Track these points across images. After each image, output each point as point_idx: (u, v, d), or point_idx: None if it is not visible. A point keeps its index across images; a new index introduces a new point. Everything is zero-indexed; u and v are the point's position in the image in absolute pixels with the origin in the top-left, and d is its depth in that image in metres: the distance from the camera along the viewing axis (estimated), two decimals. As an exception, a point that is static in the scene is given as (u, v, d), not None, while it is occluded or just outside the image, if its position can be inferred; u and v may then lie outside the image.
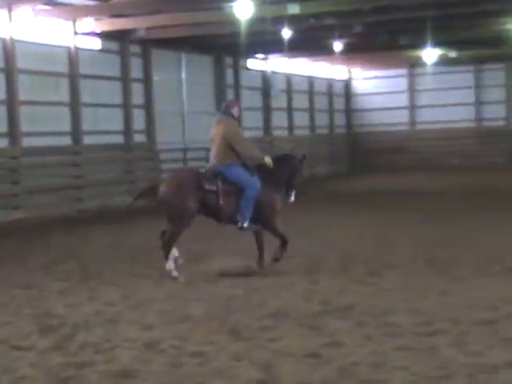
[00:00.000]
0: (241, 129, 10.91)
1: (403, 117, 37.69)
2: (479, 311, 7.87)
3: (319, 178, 31.58)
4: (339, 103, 38.00)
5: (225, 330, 7.53)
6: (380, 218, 16.97)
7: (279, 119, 31.79)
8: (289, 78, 32.79)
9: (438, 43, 27.04)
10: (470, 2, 20.14)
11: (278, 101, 31.56)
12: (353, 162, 37.33)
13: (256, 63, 30.41)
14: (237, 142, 10.40)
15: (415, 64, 34.99)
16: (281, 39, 22.23)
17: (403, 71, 37.41)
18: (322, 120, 35.91)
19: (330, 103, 36.99)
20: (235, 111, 10.69)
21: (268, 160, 10.58)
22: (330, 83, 36.81)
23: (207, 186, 10.26)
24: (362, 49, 29.11)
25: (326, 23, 21.50)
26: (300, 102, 33.78)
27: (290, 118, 32.94)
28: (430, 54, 28.95)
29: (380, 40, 26.04)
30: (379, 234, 14.13)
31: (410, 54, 30.69)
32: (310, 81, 34.83)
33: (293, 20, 20.82)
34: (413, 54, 30.33)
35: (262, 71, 30.80)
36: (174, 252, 10.28)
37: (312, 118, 34.94)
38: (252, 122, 29.42)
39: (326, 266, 10.93)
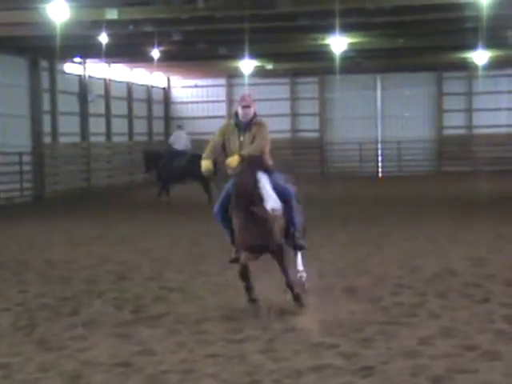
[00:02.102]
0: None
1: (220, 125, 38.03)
2: (287, 317, 8.07)
3: (137, 186, 31.36)
4: (158, 110, 37.93)
5: (32, 340, 7.30)
6: (193, 225, 17.06)
7: (97, 125, 31.28)
8: (107, 84, 32.37)
9: (255, 55, 27.67)
10: (286, 17, 20.71)
11: (96, 106, 31.07)
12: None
13: (73, 67, 29.80)
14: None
15: (233, 74, 35.56)
16: (99, 44, 21.93)
17: (222, 81, 37.93)
18: (140, 127, 35.70)
19: (149, 110, 36.86)
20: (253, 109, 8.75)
21: None
22: (149, 90, 36.69)
23: None
24: (181, 57, 29.26)
25: (144, 30, 21.41)
26: (118, 108, 33.41)
27: (108, 124, 32.49)
28: (247, 65, 29.55)
29: (199, 49, 26.25)
30: (195, 242, 14.20)
31: (229, 64, 31.16)
32: (129, 87, 34.56)
33: (111, 25, 20.58)
34: (231, 64, 30.82)
35: (79, 76, 30.22)
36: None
37: (131, 125, 34.65)
38: (68, 127, 28.79)
39: (139, 274, 10.85)
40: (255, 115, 8.71)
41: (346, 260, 11.81)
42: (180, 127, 24.51)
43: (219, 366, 6.41)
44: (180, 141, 23.36)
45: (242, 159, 8.39)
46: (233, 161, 8.43)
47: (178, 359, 6.62)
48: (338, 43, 23.97)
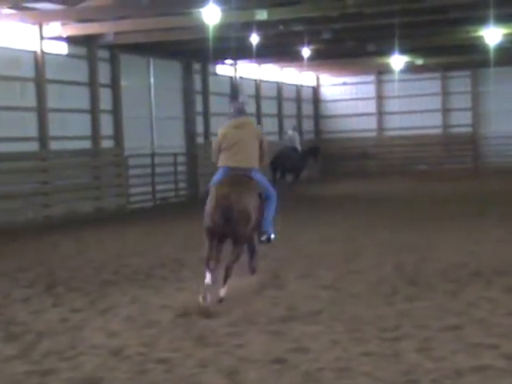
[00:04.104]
0: None
1: (371, 123, 37.88)
2: (446, 317, 7.91)
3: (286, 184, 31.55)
4: (307, 109, 38.09)
5: (191, 336, 7.49)
6: (347, 223, 17.02)
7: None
8: (257, 84, 32.82)
9: (405, 50, 27.25)
10: (437, 10, 20.30)
11: (247, 106, 31.48)
12: (321, 167, 37.40)
13: (225, 69, 30.39)
14: (266, 146, 9.49)
15: (383, 71, 35.21)
16: (249, 45, 22.25)
17: (371, 78, 37.64)
18: (291, 126, 35.89)
19: (299, 109, 37.07)
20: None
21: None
22: (298, 89, 36.90)
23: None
24: (330, 55, 29.24)
25: (294, 29, 21.55)
26: (269, 107, 33.81)
27: (259, 124, 32.90)
28: (397, 61, 29.16)
29: (348, 47, 26.16)
30: (348, 239, 14.16)
31: (378, 60, 30.85)
32: (279, 86, 34.90)
33: (261, 26, 20.85)
34: (380, 60, 30.50)
35: (230, 77, 30.78)
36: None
37: (281, 124, 34.98)
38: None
39: (293, 271, 10.93)
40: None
41: (505, 258, 11.45)
42: (294, 128, 28.21)
43: (374, 364, 6.36)
44: (294, 140, 28.08)
45: None
46: None
47: (332, 357, 6.62)
48: (492, 35, 23.21)
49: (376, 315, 8.08)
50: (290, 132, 29.20)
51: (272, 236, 9.40)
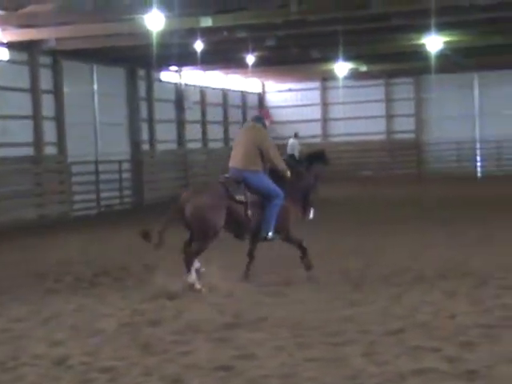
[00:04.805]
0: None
1: (316, 129, 38.13)
2: (389, 321, 7.98)
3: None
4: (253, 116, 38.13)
5: (136, 344, 7.43)
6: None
7: (193, 132, 31.72)
8: (203, 91, 32.78)
9: (349, 57, 27.51)
10: (380, 18, 20.52)
11: (192, 113, 31.50)
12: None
13: (169, 76, 30.30)
14: (268, 148, 10.35)
15: (327, 77, 35.49)
16: (193, 52, 22.21)
17: (316, 84, 37.90)
18: (235, 132, 35.97)
19: (244, 116, 37.13)
20: (267, 122, 10.71)
21: (288, 173, 10.55)
22: (243, 96, 36.97)
23: (237, 197, 10.07)
24: (275, 62, 29.36)
25: (238, 36, 21.57)
26: (214, 114, 33.81)
27: (204, 131, 32.91)
28: (341, 68, 29.41)
29: (292, 53, 26.29)
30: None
31: (322, 67, 31.08)
32: (224, 93, 34.92)
33: (205, 32, 20.84)
34: (325, 67, 30.73)
35: (175, 84, 30.71)
36: (196, 263, 10.02)
37: (226, 131, 34.99)
38: (165, 134, 29.29)
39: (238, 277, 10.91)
40: None
41: (447, 262, 11.61)
42: (296, 136, 28.76)
43: (319, 369, 6.38)
44: (294, 148, 29.42)
45: None
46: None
47: (277, 363, 6.62)
48: (434, 42, 23.58)
49: (321, 320, 8.11)
50: (291, 140, 30.15)
51: (269, 234, 10.17)
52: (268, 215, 10.17)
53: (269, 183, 10.30)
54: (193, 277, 9.86)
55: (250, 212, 10.10)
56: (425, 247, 13.34)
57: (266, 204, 10.18)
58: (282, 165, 10.52)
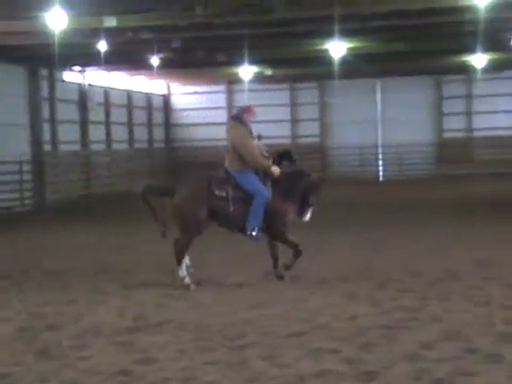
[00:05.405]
0: (250, 136, 10.65)
1: (221, 132, 37.99)
2: (291, 324, 8.04)
3: (137, 193, 31.33)
4: (158, 118, 37.96)
5: (33, 349, 7.26)
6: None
7: (97, 133, 31.30)
8: (107, 92, 32.40)
9: (254, 61, 27.67)
10: (285, 23, 20.71)
11: (96, 114, 31.10)
12: (172, 176, 37.32)
13: (73, 76, 29.82)
14: (242, 148, 10.32)
15: (233, 80, 35.59)
16: (98, 52, 21.92)
17: (221, 87, 37.97)
18: (140, 134, 35.72)
19: (149, 117, 36.89)
20: (246, 117, 10.56)
21: (275, 170, 10.44)
22: (148, 97, 36.72)
23: (217, 193, 10.20)
24: (181, 64, 29.26)
25: (143, 37, 21.41)
26: (118, 115, 33.45)
27: (108, 132, 32.52)
28: (246, 72, 29.56)
29: (198, 56, 26.26)
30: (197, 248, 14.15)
31: (228, 70, 31.17)
32: (129, 94, 34.60)
33: (110, 33, 20.58)
34: (230, 70, 30.83)
35: (78, 84, 30.24)
36: (186, 260, 10.21)
37: (131, 132, 34.68)
38: (68, 135, 28.82)
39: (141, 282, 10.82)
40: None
41: (348, 264, 11.78)
42: (259, 138, 28.95)
43: (221, 372, 6.37)
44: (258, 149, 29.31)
45: None
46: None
47: (179, 366, 6.58)
48: (337, 48, 23.96)
49: (223, 323, 8.11)
50: (255, 142, 29.76)
51: (253, 233, 10.28)
52: (251, 214, 10.23)
53: (252, 182, 10.33)
54: (183, 271, 10.13)
55: (231, 208, 10.18)
56: (325, 250, 13.49)
57: (252, 203, 10.23)
58: (260, 163, 10.44)
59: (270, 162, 10.62)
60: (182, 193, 10.28)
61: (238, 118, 10.63)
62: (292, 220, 10.66)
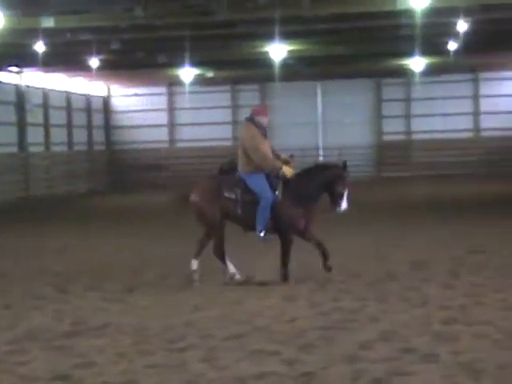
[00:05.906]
0: (263, 137, 10.41)
1: (162, 134, 38.02)
2: (230, 326, 8.05)
3: (77, 196, 31.04)
4: (98, 120, 37.62)
5: (-32, 355, 7.14)
6: (140, 234, 16.95)
7: (35, 135, 30.88)
8: (45, 93, 31.98)
9: (195, 63, 27.63)
10: (226, 25, 20.74)
11: (34, 116, 30.67)
12: (112, 178, 37.06)
13: (9, 76, 29.36)
14: (251, 148, 10.23)
15: (174, 82, 35.48)
16: (35, 53, 21.63)
17: (162, 89, 37.82)
18: (80, 136, 35.35)
19: (89, 119, 36.53)
20: (260, 118, 10.39)
21: (287, 170, 10.29)
22: (88, 99, 36.36)
23: (226, 194, 10.32)
24: (121, 66, 29.07)
25: (82, 38, 21.21)
26: (57, 117, 33.05)
27: (47, 134, 32.10)
28: (187, 73, 29.50)
29: (138, 57, 26.13)
30: (136, 251, 14.08)
31: (168, 72, 31.07)
32: (68, 96, 34.21)
33: (48, 34, 20.33)
34: (171, 72, 30.73)
35: (15, 85, 29.79)
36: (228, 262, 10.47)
37: (70, 134, 34.29)
38: (5, 137, 28.38)
39: (80, 285, 10.71)
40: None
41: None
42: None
43: (160, 376, 6.35)
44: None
45: None
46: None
47: (118, 370, 6.54)
48: (278, 51, 24.08)
49: (163, 326, 8.08)
50: None
51: (261, 234, 10.34)
52: (258, 216, 10.27)
53: (259, 185, 10.28)
54: (231, 268, 10.40)
55: (239, 209, 10.27)
56: (263, 253, 13.51)
57: (259, 206, 10.27)
58: (270, 163, 10.26)
59: (281, 163, 10.41)
60: (196, 193, 10.56)
61: (251, 118, 10.51)
62: (303, 222, 10.50)
